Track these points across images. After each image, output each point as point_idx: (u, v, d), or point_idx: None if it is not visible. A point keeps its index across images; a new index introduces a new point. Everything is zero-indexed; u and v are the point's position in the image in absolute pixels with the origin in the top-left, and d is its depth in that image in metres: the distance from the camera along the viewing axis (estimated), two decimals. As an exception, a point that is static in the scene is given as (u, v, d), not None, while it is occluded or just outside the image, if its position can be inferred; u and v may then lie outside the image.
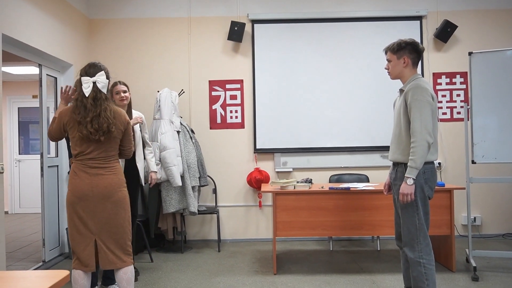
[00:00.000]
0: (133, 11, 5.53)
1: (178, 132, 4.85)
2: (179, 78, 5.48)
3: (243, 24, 5.35)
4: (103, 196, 2.72)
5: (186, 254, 4.84)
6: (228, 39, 5.40)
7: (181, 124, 4.92)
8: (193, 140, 5.01)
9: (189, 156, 4.86)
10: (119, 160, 2.93)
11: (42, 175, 4.51)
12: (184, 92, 5.40)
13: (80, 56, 5.18)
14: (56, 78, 4.88)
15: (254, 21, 5.50)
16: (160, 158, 4.64)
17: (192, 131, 5.14)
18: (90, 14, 5.50)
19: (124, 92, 3.70)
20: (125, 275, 2.80)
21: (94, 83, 2.76)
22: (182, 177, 4.74)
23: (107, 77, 2.83)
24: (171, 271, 4.18)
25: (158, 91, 4.97)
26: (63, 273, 1.49)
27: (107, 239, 2.75)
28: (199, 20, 5.53)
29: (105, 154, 2.77)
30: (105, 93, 2.77)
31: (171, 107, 4.84)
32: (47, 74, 4.65)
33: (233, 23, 5.33)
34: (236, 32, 5.35)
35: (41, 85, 4.53)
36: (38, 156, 4.61)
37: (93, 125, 2.68)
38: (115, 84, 3.65)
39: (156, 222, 4.99)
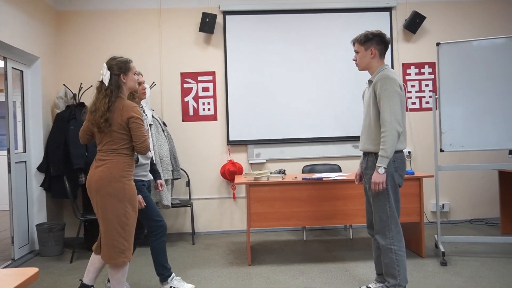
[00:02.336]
0: (102, 2, 5.42)
1: (150, 125, 4.78)
2: (150, 70, 5.41)
3: (215, 16, 5.31)
4: (94, 189, 2.76)
5: (161, 248, 4.80)
6: (200, 30, 5.35)
7: (153, 117, 4.86)
8: (166, 133, 4.97)
9: (162, 149, 4.81)
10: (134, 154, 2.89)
11: (9, 171, 4.40)
12: (155, 84, 5.34)
13: (47, 49, 5.05)
14: (22, 71, 4.75)
15: (225, 13, 5.46)
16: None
17: (164, 124, 5.09)
18: (58, 6, 5.36)
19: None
20: (111, 270, 2.86)
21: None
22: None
23: (111, 68, 2.85)
24: (144, 265, 4.16)
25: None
26: (32, 270, 1.46)
27: (101, 232, 2.83)
28: (169, 11, 5.46)
29: (107, 147, 2.79)
30: (106, 85, 2.81)
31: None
32: (12, 67, 4.52)
33: (205, 15, 5.29)
34: (207, 24, 5.31)
35: (6, 79, 4.40)
36: (5, 152, 4.49)
37: (93, 115, 2.80)
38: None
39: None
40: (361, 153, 3.16)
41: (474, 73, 4.07)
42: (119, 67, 2.85)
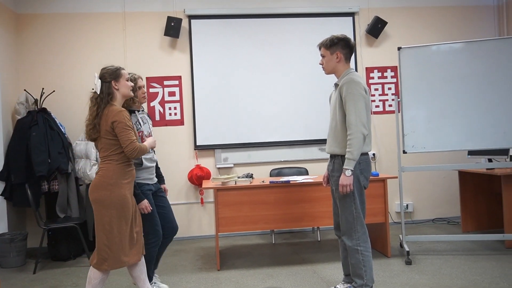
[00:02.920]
0: (64, 6, 5.29)
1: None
2: (115, 75, 5.31)
3: (180, 20, 5.28)
4: (89, 194, 2.84)
5: (128, 255, 4.72)
6: (165, 34, 5.31)
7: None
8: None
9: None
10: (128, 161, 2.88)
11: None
12: (120, 89, 5.25)
13: (6, 53, 4.88)
14: (-21, 76, 4.58)
15: (191, 17, 5.44)
16: (96, 158, 4.50)
17: (130, 129, 5.00)
18: (18, 9, 5.20)
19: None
20: (91, 273, 2.87)
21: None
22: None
23: (103, 77, 2.88)
24: (112, 274, 4.07)
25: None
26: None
27: None
28: (134, 15, 5.39)
29: (101, 155, 2.86)
30: (98, 93, 2.84)
31: (107, 105, 4.70)
32: (-31, 72, 4.35)
33: (170, 19, 5.25)
34: (172, 28, 5.27)
35: (-38, 84, 4.23)
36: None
37: (85, 125, 2.89)
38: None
39: (94, 224, 4.82)
40: (327, 156, 3.20)
41: (434, 76, 4.19)
42: (110, 74, 2.88)
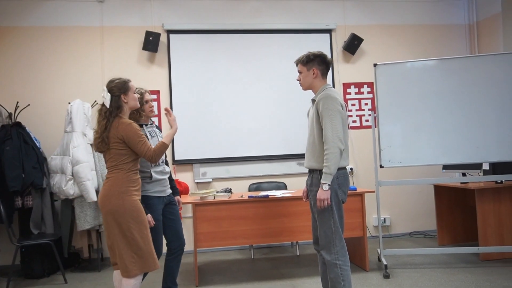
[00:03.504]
0: (41, 19, 5.24)
1: (91, 145, 4.65)
2: (92, 89, 5.25)
3: (158, 34, 5.28)
4: (100, 206, 2.85)
5: (104, 272, 4.63)
6: (143, 49, 5.30)
7: (95, 136, 4.73)
8: (109, 153, 4.83)
9: (105, 170, 4.67)
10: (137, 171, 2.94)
11: None
12: (97, 103, 5.19)
13: (-20, 66, 4.80)
14: (-49, 89, 4.48)
15: (169, 31, 5.45)
16: (72, 173, 4.43)
17: (107, 143, 4.95)
18: (-8, 21, 5.13)
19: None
20: (124, 282, 2.83)
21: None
22: (98, 192, 4.54)
23: (111, 91, 2.91)
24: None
25: (69, 103, 4.75)
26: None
27: (111, 246, 2.86)
28: (112, 29, 5.38)
29: (109, 165, 2.88)
30: (107, 107, 2.86)
31: (83, 119, 4.66)
32: None
33: (148, 33, 5.25)
34: (151, 42, 5.27)
35: None
36: None
37: (94, 138, 2.94)
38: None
39: (70, 241, 4.73)
40: (305, 171, 3.22)
41: (409, 92, 4.29)
42: (119, 88, 2.91)
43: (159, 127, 3.55)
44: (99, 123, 2.88)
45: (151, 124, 3.39)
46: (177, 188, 3.60)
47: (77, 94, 5.13)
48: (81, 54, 5.32)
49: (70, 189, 4.42)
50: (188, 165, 5.45)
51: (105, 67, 5.35)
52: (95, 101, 5.16)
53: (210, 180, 5.48)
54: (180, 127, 5.48)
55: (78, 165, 4.42)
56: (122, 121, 2.85)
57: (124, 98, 2.92)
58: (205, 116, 5.48)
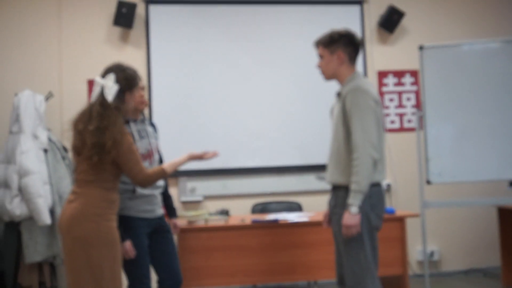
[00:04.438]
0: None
1: (45, 150, 4.67)
2: (45, 76, 5.29)
3: (134, 5, 5.30)
4: (64, 229, 2.81)
5: (58, 320, 4.64)
6: (114, 24, 5.33)
7: (49, 139, 4.75)
8: (67, 162, 4.86)
9: (62, 183, 4.70)
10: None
11: None
12: (52, 95, 5.22)
13: None
14: None
15: (148, 1, 5.48)
16: (20, 187, 4.45)
17: (65, 149, 4.98)
18: None
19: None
20: None
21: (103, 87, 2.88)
22: (52, 212, 4.56)
23: (118, 81, 2.88)
24: None
25: (16, 94, 4.77)
26: None
27: (68, 283, 2.82)
28: (73, -2, 5.43)
29: (81, 177, 2.87)
30: (110, 101, 2.84)
31: (34, 116, 4.68)
32: None
33: (120, 4, 5.26)
34: (124, 16, 5.29)
35: None
36: None
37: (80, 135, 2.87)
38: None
39: (15, 277, 4.74)
40: (327, 187, 3.22)
41: (467, 84, 4.28)
42: (129, 81, 2.93)
43: (154, 125, 3.55)
44: (97, 122, 2.80)
45: (142, 120, 3.38)
46: (174, 208, 3.63)
47: (26, 83, 5.15)
48: (32, 31, 5.35)
49: (16, 208, 4.43)
50: (171, 179, 5.45)
51: (63, 48, 5.38)
52: (50, 92, 5.18)
53: (201, 198, 5.49)
54: (161, 127, 5.50)
55: (27, 177, 4.43)
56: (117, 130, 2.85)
57: (128, 96, 2.94)
58: (194, 113, 5.49)
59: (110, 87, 2.86)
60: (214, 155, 3.27)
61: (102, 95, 2.87)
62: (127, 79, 2.93)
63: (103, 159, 2.77)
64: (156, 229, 3.32)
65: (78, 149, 2.86)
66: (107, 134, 2.77)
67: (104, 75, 2.94)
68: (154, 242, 3.30)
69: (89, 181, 2.83)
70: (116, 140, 2.79)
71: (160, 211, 3.37)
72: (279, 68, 5.64)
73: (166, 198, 3.49)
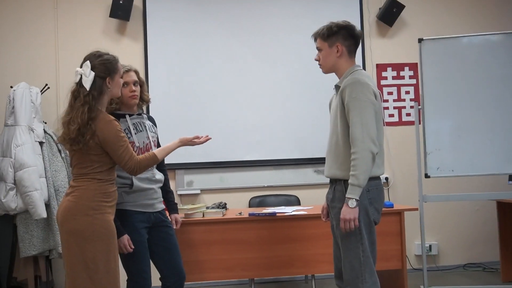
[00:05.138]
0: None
1: (41, 143, 4.66)
2: (42, 69, 5.28)
3: (131, -3, 5.30)
4: (59, 222, 2.84)
5: (55, 313, 4.64)
6: (111, 16, 5.30)
7: (45, 132, 4.74)
8: (63, 155, 4.85)
9: (58, 177, 4.69)
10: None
11: None
12: (49, 88, 5.20)
13: None
14: None
15: (146, -7, 5.47)
16: (15, 180, 4.43)
17: (61, 142, 4.96)
18: None
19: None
20: None
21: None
22: (48, 206, 4.55)
23: (95, 68, 2.83)
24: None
25: (12, 87, 4.75)
26: None
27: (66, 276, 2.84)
28: (69, -11, 5.40)
29: (76, 171, 2.86)
30: (86, 88, 2.78)
31: (30, 109, 4.67)
32: None
33: (117, -5, 5.26)
34: (121, 8, 5.26)
35: None
36: None
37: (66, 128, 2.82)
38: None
39: (10, 271, 4.74)
40: (326, 181, 3.21)
41: (466, 77, 4.27)
42: (107, 68, 2.87)
43: (152, 118, 3.53)
44: (77, 110, 2.76)
45: (139, 114, 3.35)
46: (174, 203, 3.61)
47: (22, 76, 5.14)
48: (28, 23, 5.34)
49: (11, 201, 4.42)
50: (169, 172, 5.43)
51: (59, 40, 5.36)
52: (46, 84, 5.17)
53: (198, 191, 5.48)
54: (158, 121, 5.51)
55: (23, 170, 4.42)
56: (102, 117, 2.81)
57: (109, 83, 2.87)
58: (192, 106, 5.48)
59: (84, 73, 2.82)
60: (206, 139, 3.26)
61: (78, 84, 2.83)
62: (103, 64, 2.87)
63: (85, 148, 2.75)
64: (157, 224, 3.30)
65: (64, 141, 2.84)
66: (82, 122, 2.74)
67: (81, 64, 2.90)
68: (155, 237, 3.28)
69: (83, 174, 2.82)
70: (97, 128, 2.76)
71: (160, 205, 3.35)
72: (277, 61, 5.63)
73: (167, 193, 3.48)
